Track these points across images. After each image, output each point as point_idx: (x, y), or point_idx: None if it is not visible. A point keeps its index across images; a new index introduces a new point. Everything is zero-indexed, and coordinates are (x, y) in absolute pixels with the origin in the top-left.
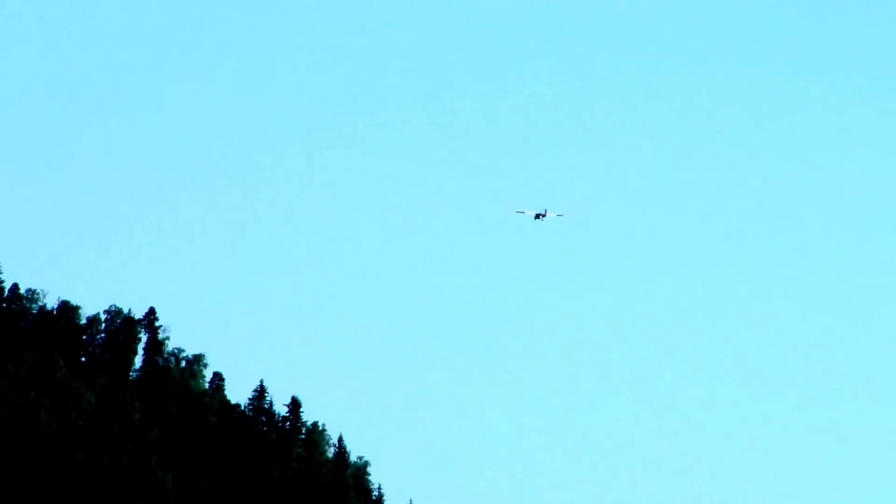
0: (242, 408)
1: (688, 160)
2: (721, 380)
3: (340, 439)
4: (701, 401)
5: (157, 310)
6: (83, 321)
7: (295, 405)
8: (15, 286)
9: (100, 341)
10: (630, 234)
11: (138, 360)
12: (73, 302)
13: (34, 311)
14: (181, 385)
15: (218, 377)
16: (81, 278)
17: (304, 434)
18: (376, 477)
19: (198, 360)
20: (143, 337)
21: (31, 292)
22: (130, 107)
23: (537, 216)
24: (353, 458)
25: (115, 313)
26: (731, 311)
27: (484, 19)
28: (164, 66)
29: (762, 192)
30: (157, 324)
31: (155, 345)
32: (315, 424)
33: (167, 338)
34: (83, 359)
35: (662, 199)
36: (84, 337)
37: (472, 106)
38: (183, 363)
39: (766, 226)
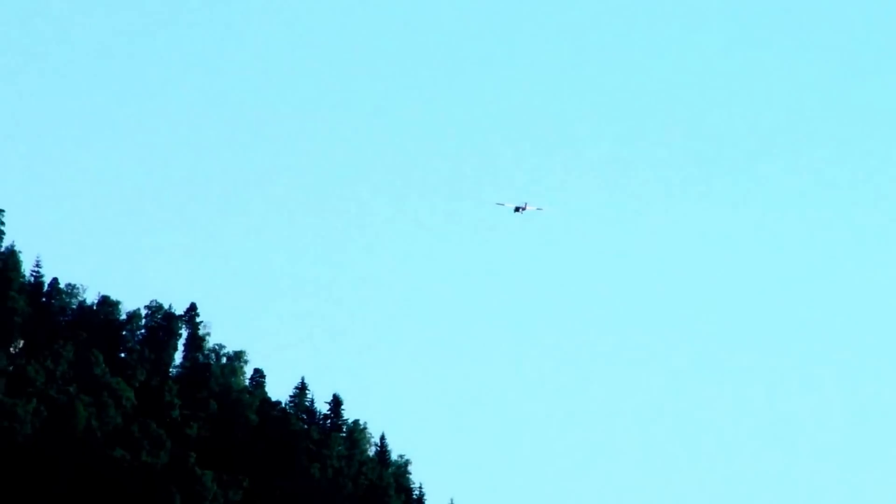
0: (283, 405)
1: (671, 155)
2: (716, 374)
3: (382, 438)
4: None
5: (197, 305)
6: (123, 316)
7: (336, 403)
8: (54, 281)
9: (140, 337)
10: (612, 229)
11: (178, 357)
12: (113, 297)
13: (73, 306)
14: (221, 382)
15: (259, 374)
16: (122, 273)
17: (345, 432)
18: (417, 476)
19: (238, 356)
20: (184, 333)
21: (71, 287)
22: (168, 101)
23: (517, 209)
24: (394, 456)
25: (155, 309)
26: (718, 305)
27: (464, 12)
28: (203, 61)
29: (745, 184)
30: (197, 320)
31: (195, 341)
32: (356, 422)
33: (208, 334)
34: (122, 355)
35: (645, 194)
36: (123, 333)
37: (454, 96)
38: (223, 360)
39: (750, 219)
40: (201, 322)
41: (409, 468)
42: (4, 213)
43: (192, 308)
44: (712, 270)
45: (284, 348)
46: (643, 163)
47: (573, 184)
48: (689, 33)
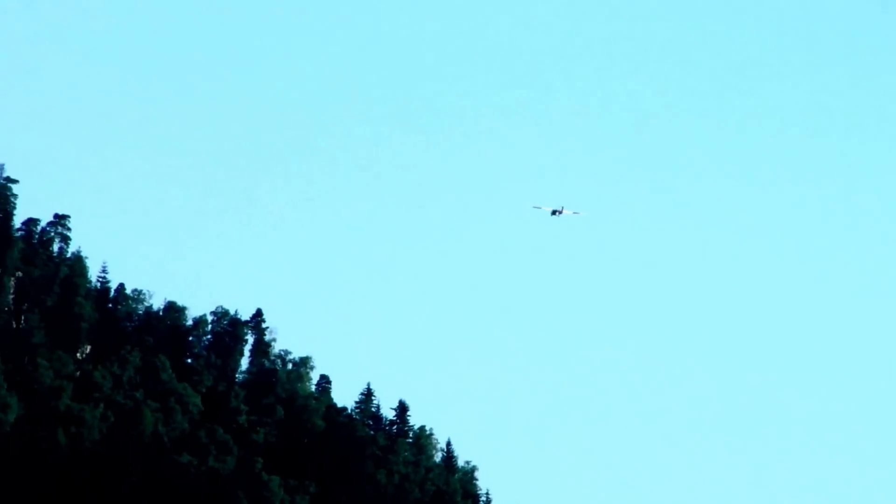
0: (349, 411)
1: (704, 162)
2: (741, 378)
3: (448, 444)
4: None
5: (263, 311)
6: (189, 322)
7: (402, 409)
8: (121, 286)
9: (206, 343)
10: (645, 234)
11: (244, 362)
12: (180, 303)
13: (140, 312)
14: (287, 388)
15: (325, 380)
16: (188, 279)
17: (411, 438)
18: (484, 482)
19: (304, 362)
20: (250, 339)
21: (138, 293)
22: (233, 105)
23: (554, 212)
24: (460, 462)
25: (221, 314)
26: (745, 308)
27: (501, 14)
28: (284, 66)
29: (775, 191)
30: (263, 325)
31: (261, 347)
32: (422, 428)
33: (274, 340)
34: (189, 360)
35: (678, 199)
36: (190, 338)
37: (492, 101)
38: (289, 365)
39: (782, 225)
40: (267, 328)
41: (476, 474)
42: (71, 220)
43: (259, 314)
44: (742, 272)
45: (350, 354)
46: (682, 167)
47: (612, 188)
48: (729, 39)
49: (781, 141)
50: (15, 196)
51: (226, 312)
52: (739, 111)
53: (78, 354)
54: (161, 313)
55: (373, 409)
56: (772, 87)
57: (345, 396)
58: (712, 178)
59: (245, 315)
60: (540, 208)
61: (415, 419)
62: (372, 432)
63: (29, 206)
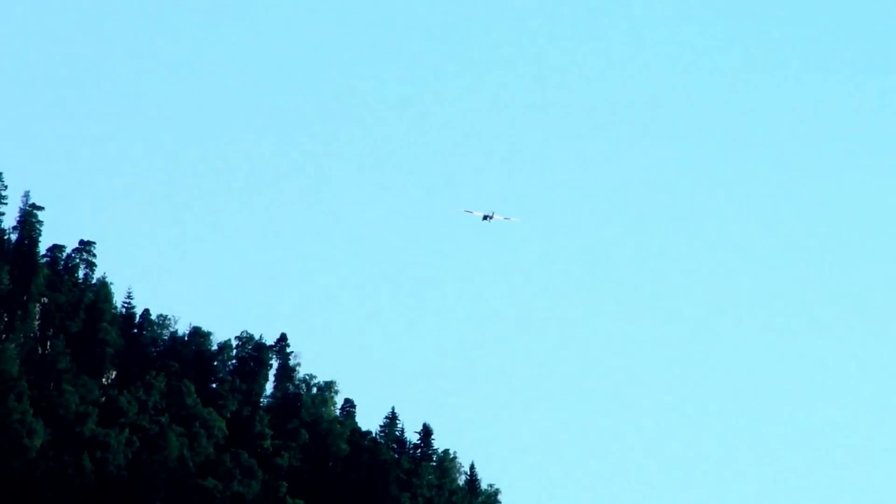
0: (373, 435)
1: (640, 165)
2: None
3: (472, 467)
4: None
5: (288, 336)
6: (214, 347)
7: (426, 432)
8: (146, 312)
9: (231, 367)
10: (578, 239)
11: (269, 387)
12: (205, 328)
13: (165, 337)
14: (312, 412)
15: (349, 404)
16: (212, 304)
17: (435, 461)
18: None
19: (329, 386)
20: (274, 363)
21: (163, 318)
22: (256, 132)
23: (485, 217)
24: (483, 485)
25: (246, 339)
26: (687, 312)
27: (440, 18)
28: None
29: (717, 189)
30: (288, 350)
31: (286, 371)
32: (446, 452)
33: (298, 364)
34: (214, 385)
35: (614, 205)
36: (215, 363)
37: (428, 104)
38: (314, 390)
39: (721, 222)
40: (292, 352)
41: (499, 497)
42: (96, 246)
43: (283, 338)
44: (683, 276)
45: (375, 378)
46: (612, 174)
47: (543, 196)
48: (661, 44)
49: (717, 144)
50: (40, 223)
51: (250, 337)
52: (678, 115)
53: (103, 380)
54: (186, 338)
55: (397, 433)
56: (706, 89)
57: (369, 420)
58: (647, 182)
59: (269, 340)
60: (471, 213)
61: (438, 442)
62: (396, 456)
63: (54, 233)
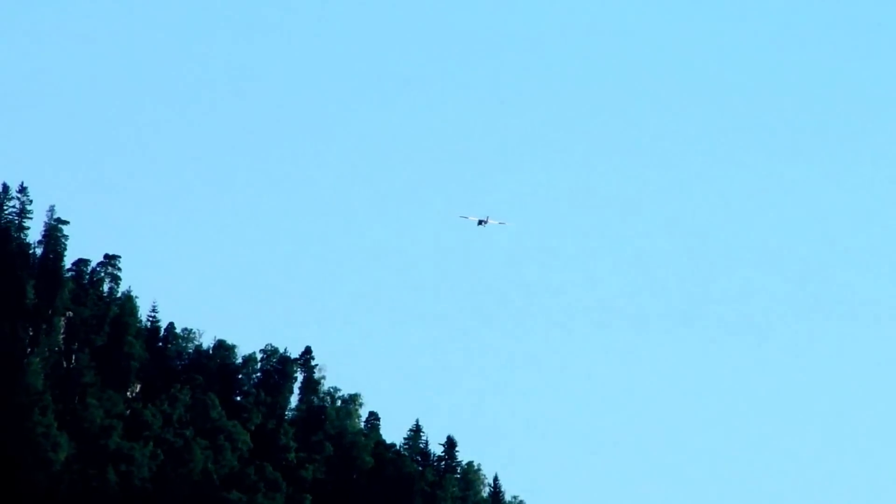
0: (398, 447)
1: (633, 171)
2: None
3: (495, 479)
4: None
5: (312, 349)
6: (239, 360)
7: (450, 445)
8: (171, 325)
9: (255, 381)
10: (569, 244)
11: (294, 400)
12: (229, 341)
13: (190, 351)
14: (336, 424)
15: (373, 416)
16: (237, 317)
17: (459, 474)
18: None
19: (353, 399)
20: (299, 376)
21: (187, 332)
22: (279, 147)
23: (480, 222)
24: (507, 497)
25: (270, 352)
26: (678, 316)
27: (433, 23)
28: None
29: (712, 194)
30: (312, 363)
31: (310, 384)
32: (470, 464)
33: (323, 377)
34: (238, 398)
35: (606, 210)
36: (239, 376)
37: (423, 109)
38: (338, 402)
39: (719, 224)
40: (316, 365)
41: None
42: (121, 260)
43: (307, 351)
44: (674, 279)
45: (399, 391)
46: (606, 178)
47: (537, 200)
48: (652, 49)
49: (701, 147)
50: (65, 237)
51: (275, 350)
52: (674, 120)
53: (128, 393)
54: (210, 352)
55: (421, 446)
56: (704, 93)
57: (393, 433)
58: (643, 185)
59: (294, 353)
60: (466, 218)
61: (463, 455)
62: (420, 468)
63: (79, 247)
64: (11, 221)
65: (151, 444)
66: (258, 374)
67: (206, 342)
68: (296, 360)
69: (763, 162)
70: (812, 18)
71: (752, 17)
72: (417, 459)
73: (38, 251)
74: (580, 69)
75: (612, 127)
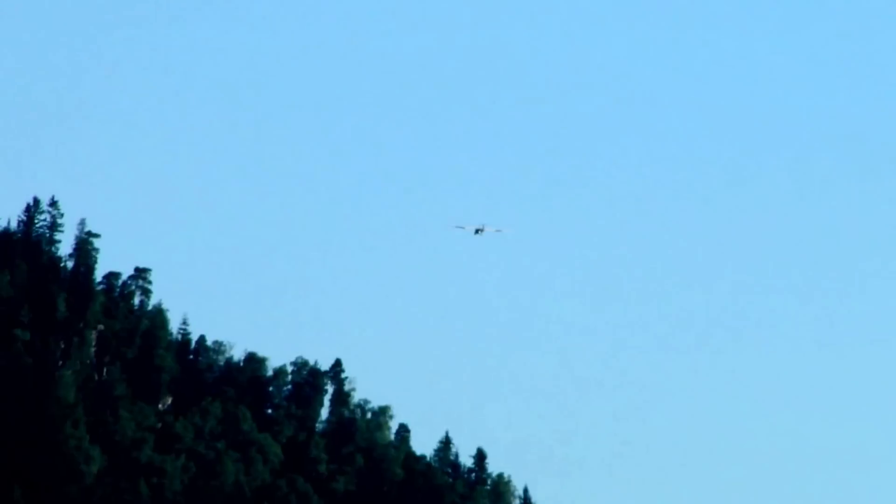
0: (428, 459)
1: (628, 178)
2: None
3: (525, 491)
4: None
5: (343, 361)
6: (269, 373)
7: (480, 457)
8: (202, 338)
9: (286, 393)
10: (568, 250)
11: (324, 412)
12: (260, 354)
13: (220, 363)
14: (367, 437)
15: (403, 429)
16: (268, 330)
17: (489, 486)
18: None
19: (383, 411)
20: (329, 389)
21: (218, 344)
22: (307, 156)
23: (476, 231)
24: None
25: (301, 365)
26: (678, 325)
27: (430, 31)
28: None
29: (711, 197)
30: (342, 375)
31: (341, 397)
32: (501, 476)
33: (353, 389)
34: (269, 411)
35: (603, 215)
36: (270, 389)
37: (416, 119)
38: (369, 415)
39: (718, 226)
40: (346, 378)
41: None
42: (152, 273)
43: (338, 364)
44: (683, 277)
45: (429, 403)
46: (603, 183)
47: (532, 206)
48: (651, 53)
49: (695, 153)
50: (96, 250)
51: (305, 363)
52: (671, 125)
53: (159, 406)
54: (241, 364)
55: (451, 458)
56: (702, 97)
57: (424, 445)
58: (642, 188)
59: (324, 365)
60: (463, 228)
61: (493, 467)
62: (451, 480)
63: (110, 260)
64: (42, 235)
65: (183, 456)
66: (289, 387)
67: (237, 355)
68: (326, 372)
69: (764, 166)
70: (812, 18)
71: (752, 17)
72: (447, 471)
73: (69, 264)
74: (578, 76)
75: (613, 131)
